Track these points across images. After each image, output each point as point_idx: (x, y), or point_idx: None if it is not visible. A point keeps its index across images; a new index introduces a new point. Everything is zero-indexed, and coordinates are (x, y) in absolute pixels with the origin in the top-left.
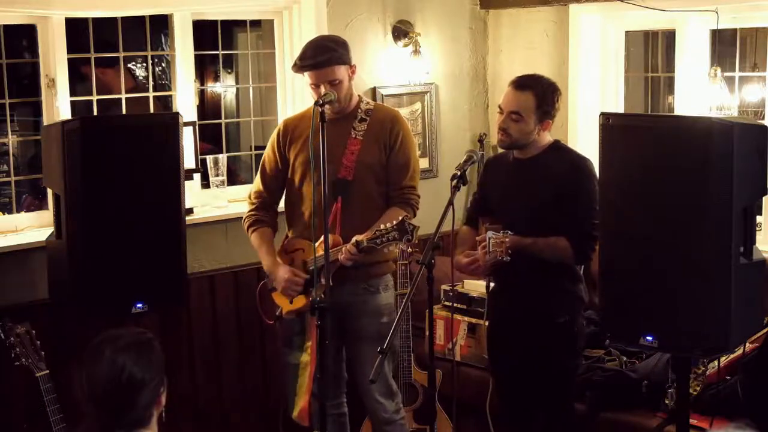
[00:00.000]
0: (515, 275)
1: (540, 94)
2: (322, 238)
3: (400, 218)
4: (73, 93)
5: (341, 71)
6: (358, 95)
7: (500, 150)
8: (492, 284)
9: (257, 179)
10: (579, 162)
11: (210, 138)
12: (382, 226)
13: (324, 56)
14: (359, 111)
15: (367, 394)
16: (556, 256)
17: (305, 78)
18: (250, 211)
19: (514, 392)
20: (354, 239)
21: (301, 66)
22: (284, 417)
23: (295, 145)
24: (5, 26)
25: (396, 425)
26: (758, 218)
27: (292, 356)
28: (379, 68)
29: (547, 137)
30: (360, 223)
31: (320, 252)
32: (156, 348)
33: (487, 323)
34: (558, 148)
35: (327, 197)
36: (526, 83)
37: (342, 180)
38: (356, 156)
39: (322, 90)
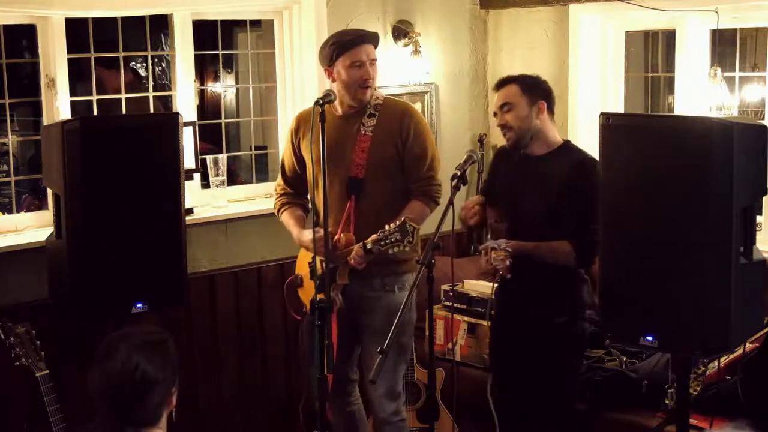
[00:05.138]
0: (516, 276)
1: (522, 82)
2: (335, 236)
3: (402, 219)
4: (73, 93)
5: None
6: None
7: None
8: (496, 284)
9: (279, 174)
10: (585, 162)
11: (210, 138)
12: (386, 227)
13: (372, 33)
14: (368, 106)
15: (370, 390)
16: (558, 260)
17: (341, 62)
18: (277, 199)
19: (514, 391)
20: (363, 242)
21: (353, 38)
22: (304, 411)
23: (305, 142)
24: (5, 26)
25: (393, 426)
26: (758, 218)
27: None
28: (379, 68)
29: (557, 136)
30: (374, 221)
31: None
32: (170, 348)
33: (489, 323)
34: (568, 149)
35: (327, 196)
36: (505, 80)
37: (354, 179)
38: (367, 153)
39: (368, 69)
